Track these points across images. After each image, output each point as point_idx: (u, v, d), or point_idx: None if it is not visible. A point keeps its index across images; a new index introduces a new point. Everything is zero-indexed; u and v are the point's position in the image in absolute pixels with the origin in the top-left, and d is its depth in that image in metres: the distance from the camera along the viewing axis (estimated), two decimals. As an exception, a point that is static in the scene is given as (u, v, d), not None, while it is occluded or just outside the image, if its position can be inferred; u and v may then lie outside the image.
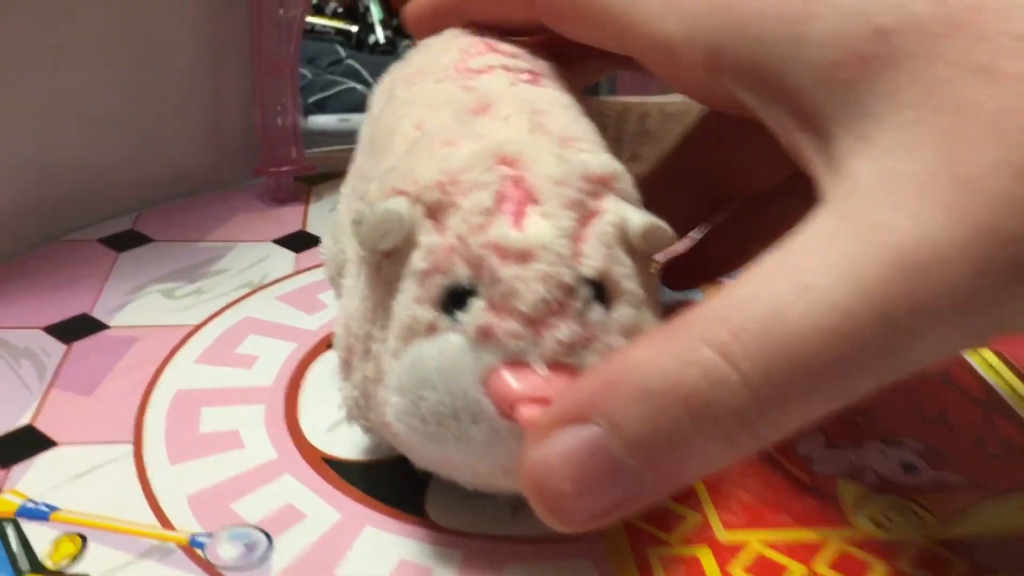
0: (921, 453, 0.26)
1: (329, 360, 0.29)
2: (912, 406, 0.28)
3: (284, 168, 0.40)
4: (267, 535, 0.22)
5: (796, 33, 0.17)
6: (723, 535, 0.23)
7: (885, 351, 0.15)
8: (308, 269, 0.35)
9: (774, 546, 0.22)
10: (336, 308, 0.24)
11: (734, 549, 0.22)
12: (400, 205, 0.19)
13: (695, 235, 0.29)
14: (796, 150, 0.18)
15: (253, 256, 0.36)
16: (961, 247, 0.14)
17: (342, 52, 0.58)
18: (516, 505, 0.23)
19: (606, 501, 0.16)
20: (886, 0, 0.16)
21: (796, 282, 0.15)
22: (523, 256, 0.18)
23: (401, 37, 0.63)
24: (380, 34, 0.61)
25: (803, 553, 0.22)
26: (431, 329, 0.18)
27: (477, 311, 0.18)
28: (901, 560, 0.22)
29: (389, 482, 0.24)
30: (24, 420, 0.26)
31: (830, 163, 0.17)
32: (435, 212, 0.19)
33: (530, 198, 0.19)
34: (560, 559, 0.22)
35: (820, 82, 0.17)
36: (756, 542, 0.22)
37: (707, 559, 0.22)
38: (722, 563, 0.22)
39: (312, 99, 0.52)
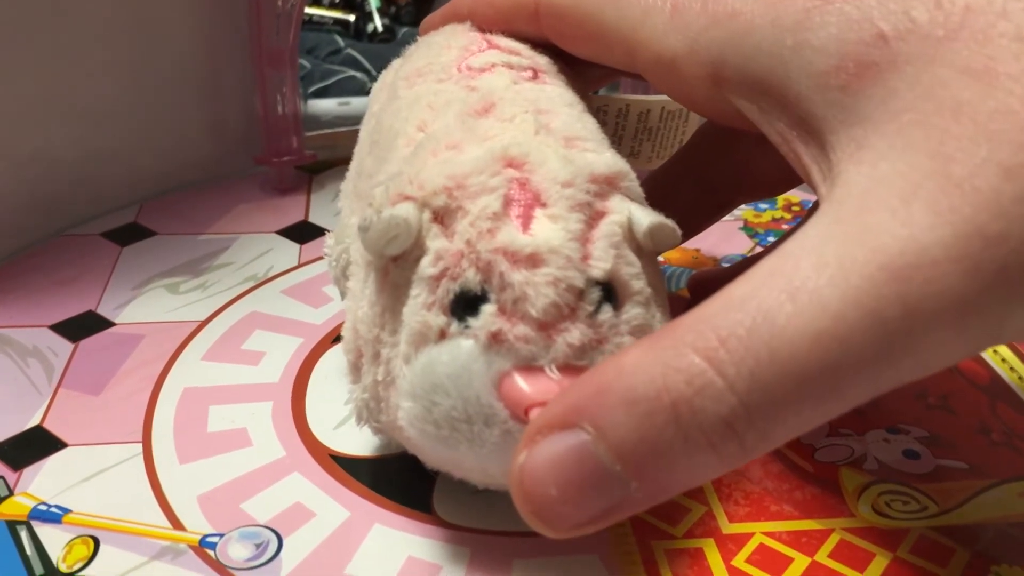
0: (924, 440, 0.26)
1: (336, 355, 0.29)
2: (916, 393, 0.28)
3: (286, 158, 0.40)
4: (277, 534, 0.23)
5: (797, 41, 0.17)
6: (727, 527, 0.23)
7: (878, 356, 0.15)
8: (312, 261, 0.35)
9: (777, 537, 0.23)
10: (342, 303, 0.24)
11: (738, 541, 0.22)
12: (407, 211, 0.18)
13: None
14: (796, 159, 0.18)
15: (257, 248, 0.36)
16: (948, 249, 0.14)
17: (341, 42, 0.57)
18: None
19: (592, 508, 0.16)
20: (887, 7, 0.16)
21: (786, 285, 0.15)
22: (533, 261, 0.18)
23: (399, 24, 0.62)
24: (378, 22, 0.61)
25: (806, 544, 0.22)
26: (442, 335, 0.18)
27: (488, 316, 0.18)
28: (903, 548, 0.22)
29: (396, 479, 0.25)
30: (34, 421, 0.26)
31: (827, 170, 0.17)
32: (442, 217, 0.19)
33: (537, 201, 0.18)
34: (567, 553, 0.22)
35: (819, 89, 0.16)
36: (760, 534, 0.23)
37: (711, 551, 0.22)
38: (726, 555, 0.22)
39: (312, 88, 0.52)
